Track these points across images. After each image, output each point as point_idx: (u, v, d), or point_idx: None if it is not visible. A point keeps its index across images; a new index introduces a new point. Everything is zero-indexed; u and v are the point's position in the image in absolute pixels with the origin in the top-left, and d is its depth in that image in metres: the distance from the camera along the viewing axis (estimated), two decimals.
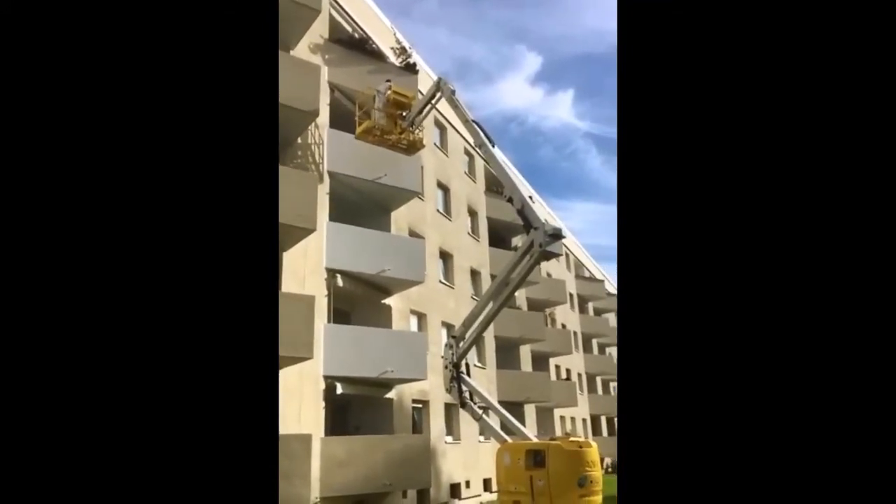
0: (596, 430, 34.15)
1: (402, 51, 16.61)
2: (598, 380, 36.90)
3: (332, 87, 14.14)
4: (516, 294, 17.13)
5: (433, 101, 13.34)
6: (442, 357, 12.63)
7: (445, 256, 19.18)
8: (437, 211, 19.04)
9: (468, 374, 12.17)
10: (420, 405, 15.93)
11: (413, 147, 14.12)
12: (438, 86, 12.94)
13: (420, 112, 13.57)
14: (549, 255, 10.37)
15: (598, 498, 9.70)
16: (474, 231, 22.11)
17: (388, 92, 13.41)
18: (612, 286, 43.56)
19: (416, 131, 14.04)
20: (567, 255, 33.62)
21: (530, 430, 13.06)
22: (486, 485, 18.40)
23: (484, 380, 18.92)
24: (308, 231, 11.02)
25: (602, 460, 11.14)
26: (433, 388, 15.59)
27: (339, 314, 13.64)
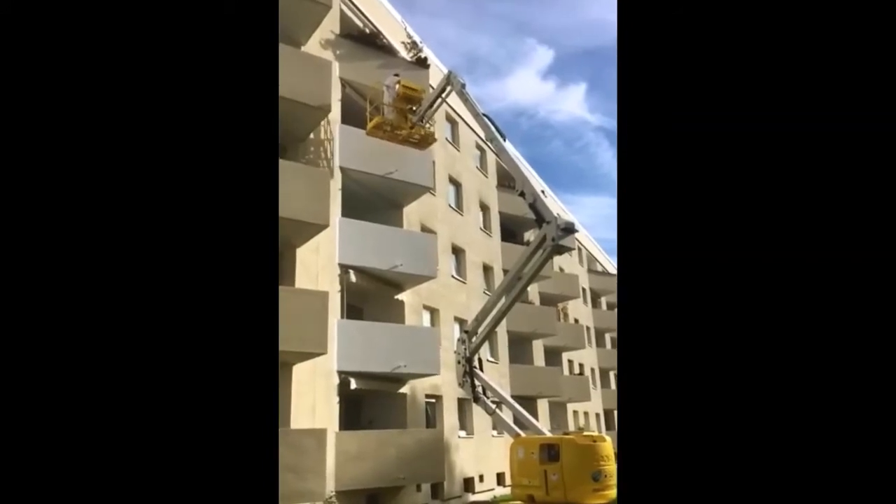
0: (609, 425, 34.06)
1: (413, 45, 16.56)
2: (612, 374, 36.77)
3: (344, 83, 14.15)
4: (529, 288, 17.10)
5: (443, 95, 13.30)
6: (455, 352, 12.64)
7: (457, 251, 19.17)
8: (449, 206, 19.02)
9: (481, 369, 12.18)
10: (433, 400, 15.96)
11: (425, 141, 14.09)
12: (449, 79, 12.90)
13: (430, 106, 13.54)
14: (561, 250, 10.33)
15: (613, 492, 9.69)
16: (486, 226, 22.07)
17: (397, 86, 13.38)
18: None
19: (428, 125, 14.01)
20: (580, 250, 33.49)
21: (543, 425, 13.06)
22: (500, 479, 18.41)
23: (496, 374, 18.92)
24: (320, 227, 11.05)
25: (616, 454, 11.10)
26: (446, 382, 15.61)
27: (352, 310, 13.69)
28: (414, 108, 13.64)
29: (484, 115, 12.18)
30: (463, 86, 12.59)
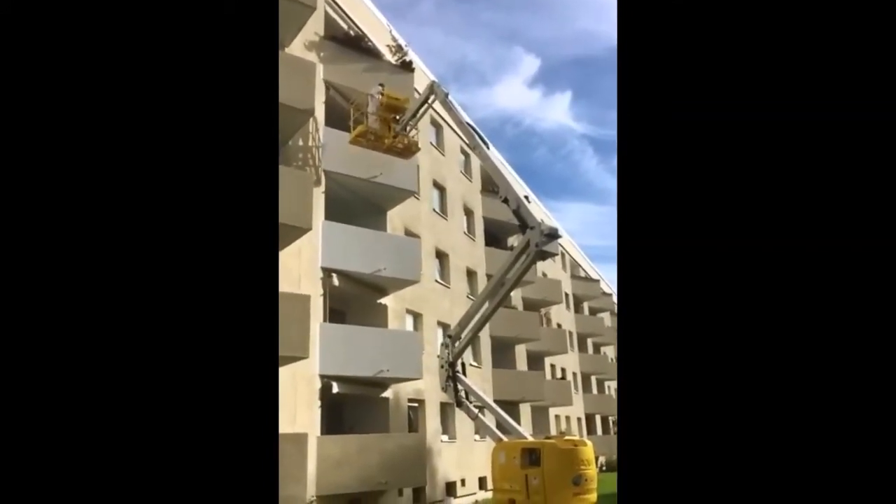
0: (591, 429, 34.23)
1: (398, 49, 16.56)
2: (593, 379, 36.98)
3: (328, 86, 14.12)
4: (512, 293, 17.16)
5: (426, 105, 13.32)
6: (438, 356, 12.64)
7: (441, 256, 19.18)
8: (433, 210, 19.04)
9: (464, 374, 12.19)
10: (416, 404, 15.94)
11: (408, 150, 14.12)
12: (432, 89, 12.94)
13: (413, 116, 13.56)
14: (545, 255, 10.38)
15: (593, 496, 9.74)
16: (470, 231, 22.11)
17: (380, 96, 13.38)
18: (607, 286, 43.64)
19: (411, 133, 14.02)
20: (563, 255, 33.66)
21: (525, 429, 13.09)
22: (482, 483, 18.42)
23: (479, 379, 18.94)
24: (303, 230, 11.01)
25: (596, 459, 11.17)
26: (429, 387, 15.61)
27: (335, 314, 13.64)
28: (397, 118, 13.64)
29: (467, 123, 12.23)
30: (446, 95, 12.62)
